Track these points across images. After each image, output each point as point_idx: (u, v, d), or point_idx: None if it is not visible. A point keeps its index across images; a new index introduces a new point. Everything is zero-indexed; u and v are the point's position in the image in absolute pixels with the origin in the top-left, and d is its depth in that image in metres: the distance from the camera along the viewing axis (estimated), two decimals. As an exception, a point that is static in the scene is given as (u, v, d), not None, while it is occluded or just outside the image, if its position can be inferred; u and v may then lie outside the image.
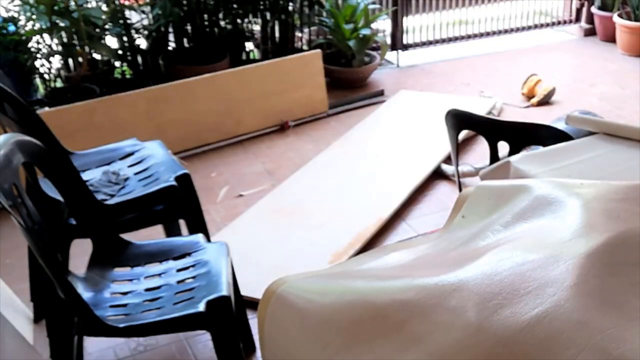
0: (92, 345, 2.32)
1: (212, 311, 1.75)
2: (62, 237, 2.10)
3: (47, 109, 3.37)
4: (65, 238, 2.11)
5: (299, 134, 3.87)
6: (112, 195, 2.26)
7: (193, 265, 1.99)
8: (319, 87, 4.06)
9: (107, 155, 2.51)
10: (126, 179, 2.36)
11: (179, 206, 2.24)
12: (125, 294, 1.91)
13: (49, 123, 2.36)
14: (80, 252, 2.11)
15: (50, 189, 2.07)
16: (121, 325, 1.73)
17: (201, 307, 1.74)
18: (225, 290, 1.81)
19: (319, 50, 4.15)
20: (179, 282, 1.94)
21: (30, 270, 2.41)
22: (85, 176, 2.37)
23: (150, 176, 2.35)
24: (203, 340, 2.35)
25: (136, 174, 2.39)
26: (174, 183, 2.23)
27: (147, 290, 1.92)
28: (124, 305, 1.85)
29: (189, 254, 2.04)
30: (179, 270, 1.99)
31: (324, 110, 4.07)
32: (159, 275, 1.99)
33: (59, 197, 2.01)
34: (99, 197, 2.23)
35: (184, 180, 2.27)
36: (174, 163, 2.38)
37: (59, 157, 2.01)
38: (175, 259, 2.04)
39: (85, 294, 1.84)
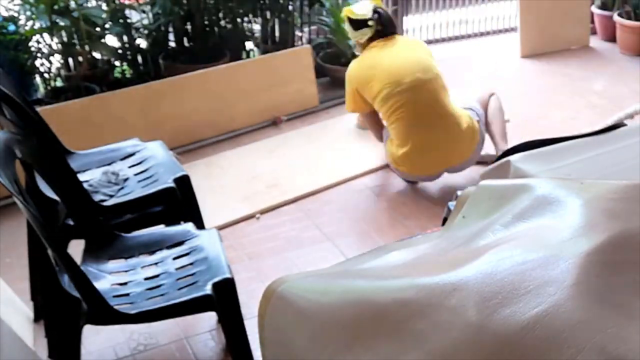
0: (92, 344, 2.32)
1: (218, 293, 1.82)
2: (60, 237, 2.11)
3: (43, 107, 3.37)
4: (63, 239, 2.12)
5: (292, 129, 3.89)
6: (111, 196, 2.27)
7: (188, 253, 2.04)
8: (309, 82, 4.09)
9: (108, 156, 2.50)
10: (125, 180, 2.36)
11: (177, 208, 2.24)
12: (125, 284, 1.95)
13: (46, 120, 2.36)
14: (71, 247, 2.11)
15: (48, 189, 2.07)
16: (132, 312, 1.77)
17: (208, 289, 1.82)
18: (227, 272, 1.88)
19: (308, 46, 4.18)
20: (177, 268, 1.99)
21: (30, 269, 2.41)
22: (85, 176, 2.36)
23: (150, 177, 2.35)
24: (203, 339, 2.35)
25: (136, 174, 2.39)
26: (173, 185, 2.23)
27: (147, 279, 1.97)
28: (127, 295, 1.90)
29: (181, 242, 2.09)
30: (175, 258, 2.03)
31: (315, 104, 4.09)
32: (156, 264, 2.03)
33: (57, 198, 2.02)
34: (98, 197, 2.23)
35: (183, 182, 2.27)
36: (174, 164, 2.38)
37: (55, 157, 2.02)
38: (169, 248, 2.08)
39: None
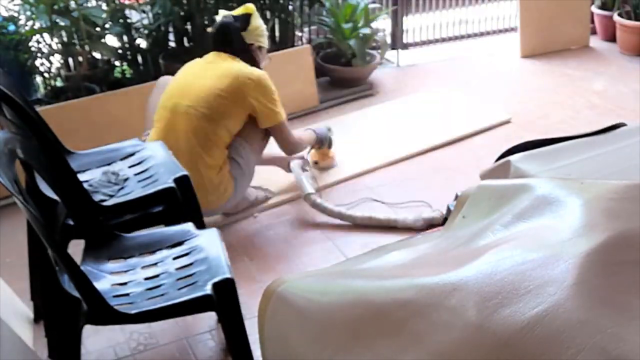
0: (92, 344, 2.32)
1: (218, 293, 1.82)
2: (60, 237, 2.10)
3: (43, 107, 3.37)
4: (63, 238, 2.12)
5: (291, 129, 3.88)
6: (111, 196, 2.26)
7: (188, 253, 2.03)
8: (309, 82, 4.09)
9: (108, 156, 2.50)
10: (125, 180, 2.36)
11: (177, 208, 2.24)
12: (125, 284, 1.95)
13: (46, 120, 2.36)
14: (71, 250, 2.11)
15: (48, 189, 2.07)
16: (133, 312, 1.77)
17: (208, 289, 1.81)
18: (228, 272, 1.87)
19: (308, 46, 4.18)
20: (177, 268, 1.98)
21: (31, 269, 2.41)
22: (85, 176, 2.36)
23: (150, 177, 2.34)
24: (203, 339, 2.35)
25: (136, 174, 2.39)
26: (173, 185, 2.23)
27: (147, 279, 1.96)
28: (127, 295, 1.89)
29: (181, 242, 2.08)
30: (175, 258, 2.03)
31: (315, 104, 4.09)
32: (156, 264, 2.02)
33: (57, 198, 2.01)
34: (98, 197, 2.23)
35: (183, 182, 2.26)
36: (174, 164, 2.38)
37: (54, 157, 2.01)
38: (169, 248, 2.07)
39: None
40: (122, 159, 2.48)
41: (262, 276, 2.63)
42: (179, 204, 2.24)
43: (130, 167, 2.43)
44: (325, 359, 1.39)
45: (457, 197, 1.92)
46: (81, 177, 2.31)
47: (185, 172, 2.30)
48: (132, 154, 2.50)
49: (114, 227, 2.14)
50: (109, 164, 2.45)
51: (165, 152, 2.48)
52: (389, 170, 3.43)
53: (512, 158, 2.21)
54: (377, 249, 2.50)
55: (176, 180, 2.25)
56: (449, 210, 2.11)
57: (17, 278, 2.51)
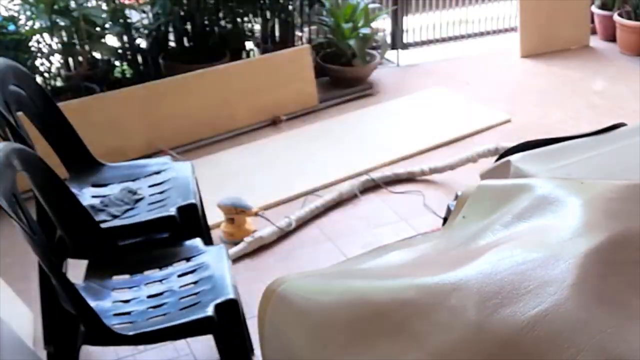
0: (92, 344, 2.32)
1: (220, 315, 1.74)
2: (59, 250, 2.05)
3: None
4: (60, 255, 2.06)
5: (292, 128, 3.91)
6: (115, 217, 2.19)
7: (194, 270, 1.97)
8: (309, 82, 4.10)
9: (134, 171, 2.43)
10: (139, 200, 2.28)
11: (179, 234, 2.14)
12: (127, 301, 1.89)
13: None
14: (75, 261, 2.10)
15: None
16: (130, 333, 1.70)
17: (210, 311, 1.74)
18: (231, 293, 1.81)
19: (308, 45, 4.19)
20: (181, 287, 1.92)
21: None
22: (104, 190, 2.31)
23: (161, 201, 2.27)
24: (203, 339, 2.35)
25: (151, 195, 2.32)
26: (174, 214, 2.14)
27: (150, 297, 1.90)
28: (128, 313, 1.83)
29: (188, 259, 2.02)
30: (180, 276, 1.97)
31: (314, 104, 4.10)
32: (160, 281, 1.96)
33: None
34: (101, 217, 2.17)
35: (189, 210, 2.17)
36: (188, 191, 2.27)
37: (53, 180, 1.92)
38: (175, 263, 2.02)
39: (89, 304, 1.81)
40: (145, 177, 2.40)
41: (262, 276, 2.63)
42: (180, 232, 2.14)
43: (150, 186, 2.36)
44: (325, 358, 1.39)
45: (457, 197, 1.91)
46: (101, 190, 2.29)
47: (192, 201, 2.20)
48: (157, 172, 2.41)
49: (118, 247, 2.07)
50: (132, 180, 2.38)
51: (191, 174, 2.38)
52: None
53: (512, 158, 2.21)
54: (377, 249, 2.49)
55: (183, 208, 2.16)
56: (449, 210, 2.10)
57: (17, 278, 2.51)
